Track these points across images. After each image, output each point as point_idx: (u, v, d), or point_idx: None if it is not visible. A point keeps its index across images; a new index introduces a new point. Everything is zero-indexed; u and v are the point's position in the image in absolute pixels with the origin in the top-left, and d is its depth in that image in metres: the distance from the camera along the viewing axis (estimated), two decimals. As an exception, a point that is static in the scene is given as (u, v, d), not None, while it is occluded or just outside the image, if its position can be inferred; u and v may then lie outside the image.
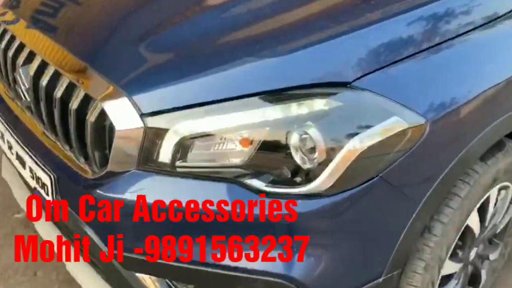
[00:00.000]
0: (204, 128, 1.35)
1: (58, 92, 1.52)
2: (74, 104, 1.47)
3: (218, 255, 1.38)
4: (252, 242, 1.36)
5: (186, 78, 1.39)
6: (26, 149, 1.65)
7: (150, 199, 1.39)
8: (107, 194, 1.42)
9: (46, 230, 1.75)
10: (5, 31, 1.86)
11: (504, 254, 2.02)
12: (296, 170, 1.33)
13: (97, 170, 1.47)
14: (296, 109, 1.33)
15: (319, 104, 1.34)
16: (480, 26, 1.53)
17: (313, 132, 1.30)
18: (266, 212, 1.33)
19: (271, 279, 1.36)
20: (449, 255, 1.63)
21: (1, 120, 1.81)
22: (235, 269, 1.38)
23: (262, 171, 1.35)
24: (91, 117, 1.43)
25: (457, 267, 1.77)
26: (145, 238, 1.42)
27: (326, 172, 1.31)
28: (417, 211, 1.43)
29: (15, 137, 1.72)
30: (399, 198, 1.41)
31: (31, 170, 1.63)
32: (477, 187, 1.59)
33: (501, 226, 1.91)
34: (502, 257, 2.02)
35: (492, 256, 1.93)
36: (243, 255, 1.37)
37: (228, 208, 1.34)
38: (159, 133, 1.36)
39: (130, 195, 1.40)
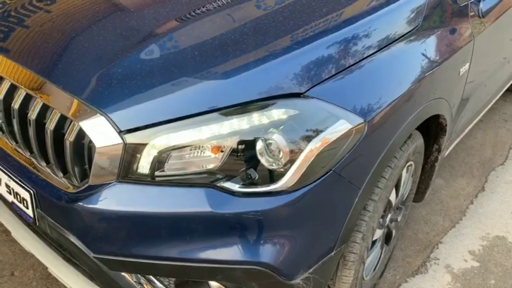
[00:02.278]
0: (180, 140, 1.26)
1: (33, 114, 1.32)
2: (51, 125, 1.29)
3: (201, 250, 1.30)
4: (230, 237, 1.29)
5: (159, 96, 1.28)
6: (2, 166, 1.42)
7: (132, 207, 1.27)
8: (91, 206, 1.29)
9: (27, 240, 1.52)
10: None
11: (405, 215, 2.10)
12: (262, 171, 1.26)
13: (77, 184, 1.30)
14: (259, 119, 1.26)
15: (278, 114, 1.27)
16: (399, 39, 1.53)
17: (277, 137, 1.25)
18: (241, 210, 1.26)
19: (249, 267, 1.31)
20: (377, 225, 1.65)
21: None
22: (216, 261, 1.31)
23: (233, 174, 1.26)
24: (70, 137, 1.27)
25: (380, 232, 1.81)
26: (130, 242, 1.30)
27: (291, 171, 1.28)
28: (359, 195, 1.45)
29: None
30: (346, 187, 1.42)
31: (7, 186, 1.41)
32: (396, 169, 1.63)
33: (406, 195, 1.96)
34: (404, 217, 2.09)
35: (399, 219, 1.99)
36: (223, 248, 1.30)
37: (207, 208, 1.24)
38: (137, 148, 1.26)
39: (113, 205, 1.30)
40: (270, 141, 1.25)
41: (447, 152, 2.33)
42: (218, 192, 1.26)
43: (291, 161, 1.26)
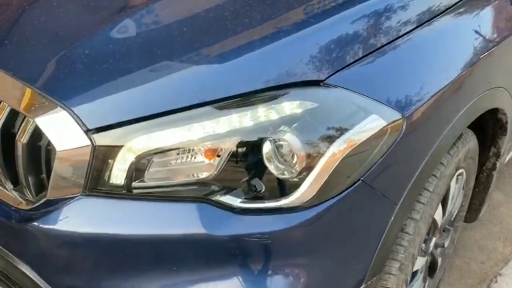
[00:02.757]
0: (164, 142, 1.15)
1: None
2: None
3: (192, 285, 1.20)
4: (229, 267, 1.19)
5: (137, 85, 1.17)
6: None
7: (103, 229, 1.18)
8: (49, 227, 1.18)
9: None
10: None
11: (454, 239, 1.99)
12: (270, 181, 1.17)
13: (32, 199, 1.21)
14: (266, 114, 1.17)
15: (291, 107, 1.18)
16: (445, 11, 1.44)
17: (290, 137, 1.14)
18: (243, 231, 1.16)
19: (254, 305, 1.19)
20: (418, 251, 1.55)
21: None
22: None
23: (233, 186, 1.17)
24: (23, 138, 1.17)
25: (423, 260, 1.71)
26: (100, 274, 1.21)
27: (308, 181, 1.15)
28: (395, 212, 1.32)
29: None
30: (379, 201, 1.29)
31: None
32: (443, 179, 1.52)
33: (455, 213, 1.87)
34: (452, 242, 1.99)
35: (446, 244, 1.90)
36: (220, 281, 1.20)
37: (199, 230, 1.16)
38: (110, 151, 1.14)
39: (77, 226, 1.18)
40: (280, 143, 1.13)
41: (508, 158, 2.23)
42: (213, 209, 1.15)
43: (308, 169, 1.13)
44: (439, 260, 1.88)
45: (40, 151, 1.21)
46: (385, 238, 1.34)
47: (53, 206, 1.18)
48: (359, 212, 1.28)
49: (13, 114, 1.23)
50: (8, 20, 1.38)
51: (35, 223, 1.19)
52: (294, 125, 1.16)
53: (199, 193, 1.17)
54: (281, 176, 1.16)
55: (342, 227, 1.26)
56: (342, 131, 1.19)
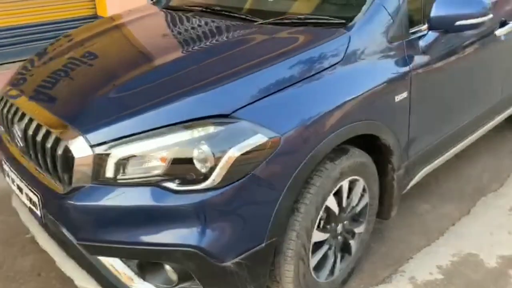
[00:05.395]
0: (134, 151, 1.81)
1: (38, 137, 1.97)
2: (48, 143, 1.93)
3: (149, 236, 1.83)
4: (169, 225, 1.82)
5: (119, 120, 1.86)
6: (21, 179, 2.10)
7: (102, 203, 1.83)
8: (73, 203, 1.87)
9: (42, 240, 2.16)
10: (6, 101, 2.35)
11: (368, 229, 2.50)
12: (198, 173, 1.79)
13: (65, 187, 1.90)
14: (196, 133, 1.81)
15: (211, 129, 1.81)
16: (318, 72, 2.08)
17: (205, 148, 1.78)
18: (177, 203, 1.80)
19: (184, 249, 1.82)
20: (315, 227, 2.10)
21: (5, 161, 2.26)
22: (160, 245, 1.83)
23: (176, 177, 1.80)
24: (59, 151, 1.88)
25: (325, 236, 2.26)
26: (100, 229, 1.86)
27: (215, 173, 1.79)
28: (281, 197, 1.91)
29: (14, 172, 2.17)
30: (267, 188, 1.90)
31: (26, 194, 2.06)
32: (327, 179, 2.08)
33: (358, 209, 2.39)
34: (367, 231, 2.49)
35: (357, 230, 2.41)
36: (165, 233, 1.82)
37: (152, 203, 1.79)
38: (103, 158, 1.82)
39: (90, 201, 1.85)
40: (201, 150, 1.78)
41: (419, 176, 2.70)
42: (160, 190, 1.80)
43: (215, 166, 1.77)
44: (352, 242, 2.38)
45: (69, 160, 1.88)
46: (276, 213, 1.93)
47: (76, 191, 1.86)
48: (254, 193, 1.89)
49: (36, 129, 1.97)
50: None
51: (68, 201, 1.88)
52: (209, 140, 1.79)
53: (153, 181, 1.82)
54: (202, 170, 1.78)
55: (242, 202, 1.87)
56: (236, 143, 1.80)
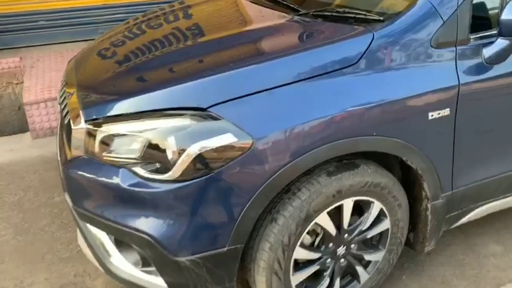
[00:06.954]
0: (116, 130, 1.83)
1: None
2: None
3: (117, 215, 1.85)
4: (134, 210, 1.80)
5: (111, 101, 1.90)
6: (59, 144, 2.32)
7: (86, 174, 1.91)
8: (71, 171, 1.97)
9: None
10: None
11: (389, 259, 2.12)
12: (164, 164, 1.74)
13: (69, 155, 2.02)
14: (172, 122, 1.74)
15: (186, 121, 1.73)
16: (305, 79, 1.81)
17: (171, 139, 1.70)
18: (140, 189, 1.77)
19: (140, 234, 1.79)
20: (297, 243, 1.86)
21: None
22: (125, 225, 1.82)
23: (149, 163, 1.77)
24: (66, 121, 1.99)
25: (315, 255, 1.99)
26: (86, 199, 1.94)
27: (176, 166, 1.71)
28: (248, 203, 1.74)
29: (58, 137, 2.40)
30: (232, 191, 1.75)
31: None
32: (318, 194, 1.82)
33: (371, 234, 2.04)
34: (387, 261, 2.12)
35: (371, 258, 2.07)
36: (129, 217, 1.81)
37: (121, 184, 1.80)
38: (91, 132, 1.89)
39: (78, 171, 1.94)
40: (167, 142, 1.73)
41: (475, 213, 2.18)
42: (130, 174, 1.79)
43: (176, 159, 1.70)
44: (360, 269, 2.05)
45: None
46: (242, 218, 1.77)
47: (74, 160, 1.97)
48: (216, 193, 1.76)
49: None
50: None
51: (69, 170, 1.99)
52: (177, 132, 1.72)
53: (131, 164, 1.82)
54: (164, 161, 1.72)
55: (203, 200, 1.75)
56: (201, 139, 1.67)
